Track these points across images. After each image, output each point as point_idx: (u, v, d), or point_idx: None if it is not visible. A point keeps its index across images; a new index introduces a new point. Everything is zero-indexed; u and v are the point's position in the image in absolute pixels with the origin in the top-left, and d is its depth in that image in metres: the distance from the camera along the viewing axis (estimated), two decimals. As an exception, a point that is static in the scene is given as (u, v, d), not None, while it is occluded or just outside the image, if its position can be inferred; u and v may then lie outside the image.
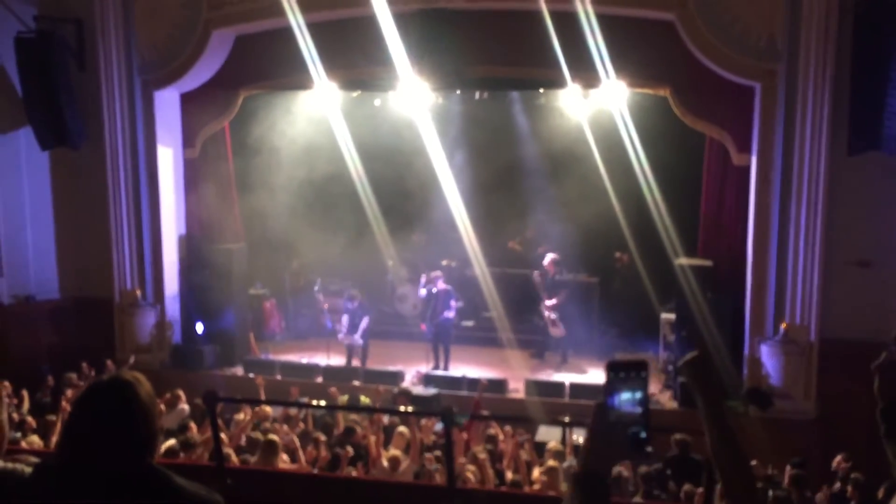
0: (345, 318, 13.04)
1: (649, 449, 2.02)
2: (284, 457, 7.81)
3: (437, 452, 8.07)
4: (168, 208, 13.07)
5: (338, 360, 12.99)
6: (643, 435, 1.97)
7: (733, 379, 10.87)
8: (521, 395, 11.56)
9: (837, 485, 8.09)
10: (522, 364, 12.57)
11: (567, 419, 9.25)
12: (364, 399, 11.06)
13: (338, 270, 14.71)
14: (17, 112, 12.43)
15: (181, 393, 10.20)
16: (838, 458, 8.55)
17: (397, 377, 12.09)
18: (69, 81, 12.40)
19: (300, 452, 8.05)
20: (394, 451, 8.05)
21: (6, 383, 9.58)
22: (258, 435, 8.75)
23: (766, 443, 9.46)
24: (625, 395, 1.98)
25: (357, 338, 12.78)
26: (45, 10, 12.53)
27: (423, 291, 13.36)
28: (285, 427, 8.99)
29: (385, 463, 7.79)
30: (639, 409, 1.97)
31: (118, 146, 12.68)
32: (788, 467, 8.03)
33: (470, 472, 7.06)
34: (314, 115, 13.47)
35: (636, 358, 2.05)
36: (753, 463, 8.07)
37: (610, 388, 1.98)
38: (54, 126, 12.33)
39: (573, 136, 13.01)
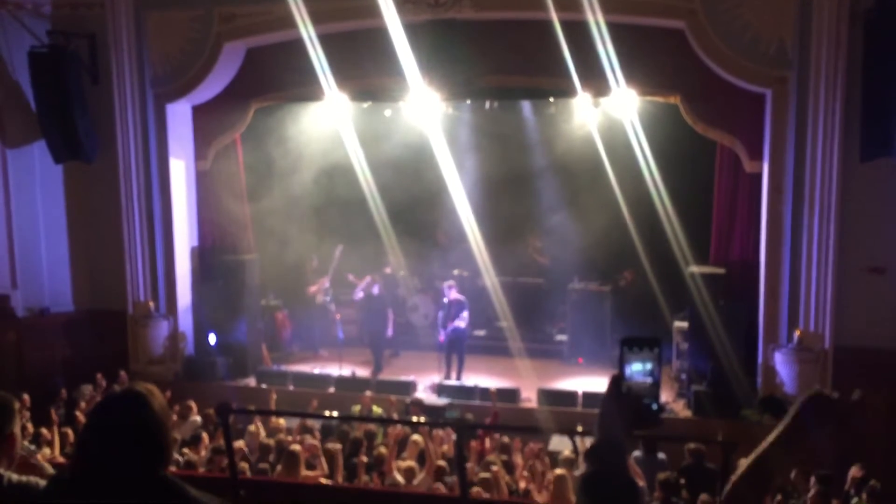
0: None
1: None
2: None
3: (443, 462, 8.06)
4: (180, 220, 13.13)
5: (360, 371, 12.97)
6: (654, 406, 2.04)
7: (747, 387, 10.81)
8: (533, 404, 11.53)
9: (852, 494, 8.00)
10: (535, 373, 12.53)
11: (580, 429, 9.21)
12: (376, 409, 11.05)
13: (349, 281, 14.72)
14: (31, 126, 12.53)
15: (193, 404, 10.23)
16: (854, 468, 8.46)
17: (410, 387, 12.08)
18: (82, 95, 12.49)
19: (322, 459, 8.06)
20: (408, 462, 8.04)
21: (26, 396, 9.63)
22: (270, 442, 8.78)
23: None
24: (636, 366, 2.07)
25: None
26: (59, 25, 12.64)
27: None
28: (307, 437, 9.01)
29: (399, 477, 7.78)
30: (649, 380, 2.06)
31: (131, 159, 12.76)
32: (813, 479, 7.93)
33: (483, 484, 7.04)
34: (325, 125, 13.53)
35: (647, 336, 2.14)
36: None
37: (623, 360, 2.08)
38: (68, 139, 12.41)
39: (584, 144, 13.01)
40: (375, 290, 13.45)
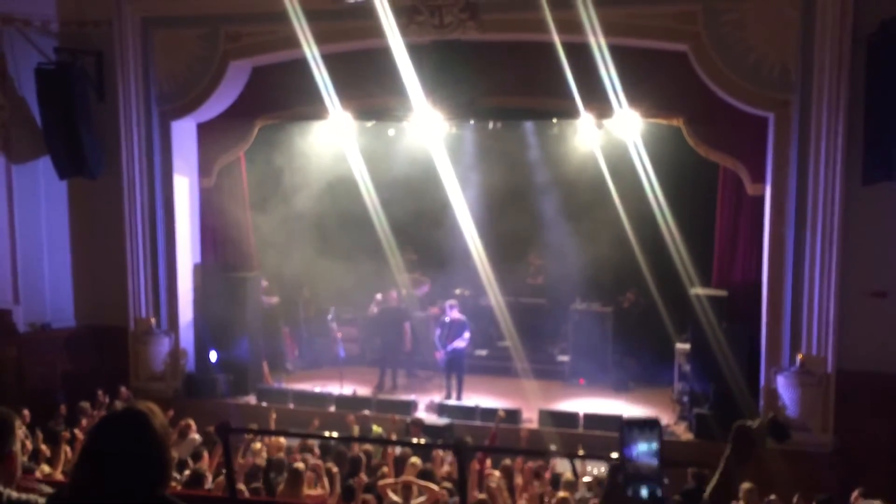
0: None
1: None
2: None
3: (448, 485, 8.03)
4: (183, 237, 13.15)
5: (360, 390, 12.93)
6: (659, 493, 2.06)
7: (750, 410, 10.74)
8: (534, 425, 11.48)
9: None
10: (536, 394, 12.48)
11: (580, 451, 9.18)
12: (376, 429, 11.01)
13: (351, 299, 14.71)
14: (37, 141, 12.61)
15: (192, 423, 10.18)
16: (855, 493, 8.42)
17: (410, 406, 12.04)
18: (88, 112, 12.56)
19: (325, 479, 8.02)
20: (406, 477, 8.00)
21: (26, 412, 9.60)
22: (261, 461, 8.74)
23: (783, 475, 9.33)
24: (642, 447, 2.07)
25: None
26: (66, 43, 12.74)
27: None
28: (308, 456, 8.97)
29: (396, 497, 7.73)
30: (655, 462, 2.06)
31: (135, 175, 12.80)
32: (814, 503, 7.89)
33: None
34: (329, 144, 13.57)
35: (647, 416, 2.16)
36: (772, 497, 7.96)
37: (627, 440, 2.08)
38: (73, 156, 12.48)
39: (587, 165, 13.03)
40: (393, 302, 13.46)
